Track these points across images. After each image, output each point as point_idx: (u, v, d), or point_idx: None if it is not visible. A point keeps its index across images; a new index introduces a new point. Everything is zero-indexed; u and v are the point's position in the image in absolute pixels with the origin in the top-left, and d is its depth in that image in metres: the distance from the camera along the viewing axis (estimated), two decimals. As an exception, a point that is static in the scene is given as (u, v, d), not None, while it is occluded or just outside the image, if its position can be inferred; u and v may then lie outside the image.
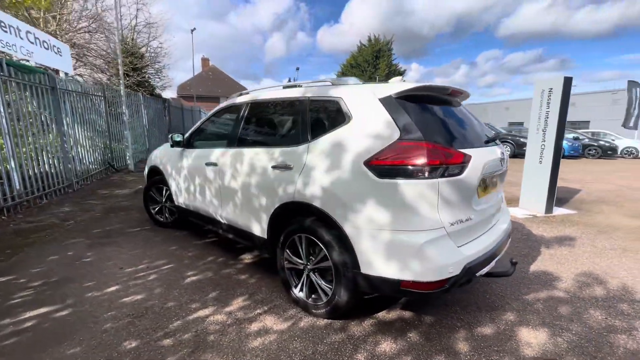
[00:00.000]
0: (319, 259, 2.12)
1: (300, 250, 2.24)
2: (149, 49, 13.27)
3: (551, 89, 4.69)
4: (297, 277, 2.35)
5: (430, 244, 1.69)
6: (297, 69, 43.48)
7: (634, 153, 16.08)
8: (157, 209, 4.11)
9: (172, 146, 3.45)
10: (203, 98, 32.60)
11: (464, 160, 1.79)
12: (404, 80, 2.36)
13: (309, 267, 2.22)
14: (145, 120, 10.89)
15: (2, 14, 5.03)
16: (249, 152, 2.61)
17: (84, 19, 8.88)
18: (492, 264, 2.03)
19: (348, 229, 1.88)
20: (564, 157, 13.75)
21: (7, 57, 5.32)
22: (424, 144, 1.72)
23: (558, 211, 5.03)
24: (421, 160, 1.69)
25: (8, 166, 4.45)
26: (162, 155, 3.90)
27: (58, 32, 8.00)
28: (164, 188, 3.92)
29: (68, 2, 9.13)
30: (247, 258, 3.20)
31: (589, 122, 23.95)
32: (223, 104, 3.24)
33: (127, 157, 8.63)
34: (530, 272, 2.94)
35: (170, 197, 3.86)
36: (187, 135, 3.46)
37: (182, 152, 3.48)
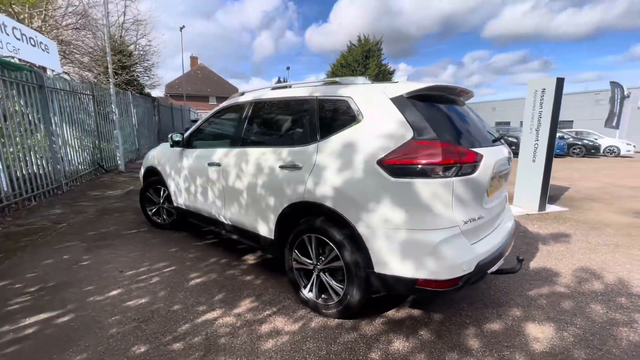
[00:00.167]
0: (330, 259, 2.11)
1: (310, 250, 2.22)
2: (137, 46, 12.98)
3: (544, 89, 4.81)
4: (306, 277, 2.34)
5: (446, 243, 1.71)
6: (288, 68, 43.21)
7: (615, 152, 16.65)
8: (154, 210, 4.02)
9: (171, 146, 3.38)
10: (192, 97, 32.12)
11: (477, 160, 1.81)
12: (407, 80, 2.38)
13: (318, 267, 2.21)
14: (134, 120, 10.66)
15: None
16: (254, 152, 2.58)
17: (70, 15, 8.61)
18: (501, 261, 2.07)
19: (361, 228, 1.88)
20: (550, 155, 14.12)
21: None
22: (439, 144, 1.73)
23: (550, 208, 5.16)
24: (436, 160, 1.70)
25: (-5, 167, 4.28)
26: (159, 156, 3.82)
27: (44, 29, 7.74)
28: (162, 189, 3.84)
29: (53, -2, 8.86)
30: (250, 259, 3.17)
31: (572, 121, 24.65)
32: (224, 103, 3.20)
33: (118, 158, 8.42)
34: (531, 269, 3.00)
35: (168, 198, 3.79)
36: (186, 134, 3.40)
37: (181, 152, 3.41)
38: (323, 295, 2.25)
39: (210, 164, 2.95)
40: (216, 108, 3.29)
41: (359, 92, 2.09)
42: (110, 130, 8.64)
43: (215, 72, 40.81)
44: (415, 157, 1.74)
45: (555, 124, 4.78)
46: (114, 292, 2.50)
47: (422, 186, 1.72)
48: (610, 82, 17.23)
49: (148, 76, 14.13)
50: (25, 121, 5.06)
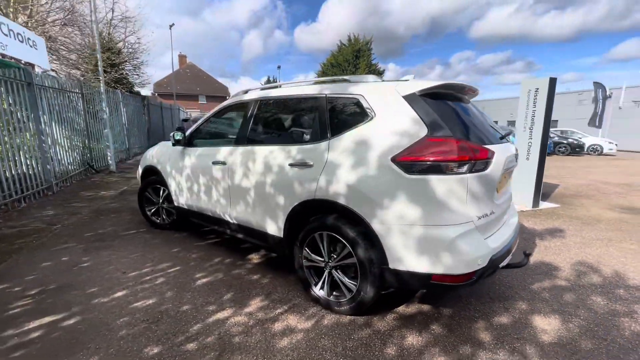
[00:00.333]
0: (343, 256, 2.12)
1: (322, 248, 2.23)
2: (126, 44, 12.69)
3: (537, 89, 4.93)
4: (317, 275, 2.34)
5: (462, 238, 1.74)
6: (279, 67, 43.03)
7: (598, 150, 17.20)
8: (153, 210, 3.95)
9: (174, 145, 3.32)
10: (181, 96, 31.64)
11: (489, 156, 1.85)
12: (413, 79, 2.41)
13: (330, 264, 2.21)
14: (124, 119, 10.43)
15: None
16: (262, 150, 2.56)
17: (57, 10, 8.35)
18: (510, 255, 2.12)
19: (376, 225, 1.89)
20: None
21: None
22: (454, 141, 1.76)
23: (543, 205, 5.30)
24: (451, 157, 1.72)
25: (-16, 167, 4.13)
26: (159, 155, 3.75)
27: (29, 25, 7.49)
28: (162, 188, 3.77)
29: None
30: (254, 258, 3.15)
31: (557, 121, 25.34)
32: (227, 101, 3.16)
33: (108, 157, 8.22)
34: (531, 263, 3.08)
35: (168, 198, 3.73)
36: (188, 133, 3.35)
37: (183, 151, 3.36)
38: (334, 293, 2.25)
39: (215, 163, 2.92)
40: (218, 106, 3.25)
41: (371, 90, 2.10)
42: (100, 130, 8.43)
43: (204, 70, 40.28)
44: (430, 154, 1.76)
45: (548, 122, 4.91)
46: (120, 294, 2.45)
47: (438, 183, 1.75)
48: (594, 82, 17.81)
49: (137, 74, 13.85)
50: (14, 120, 4.89)
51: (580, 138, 17.46)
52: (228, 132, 3.09)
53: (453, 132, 1.83)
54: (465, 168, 1.75)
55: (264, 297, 2.44)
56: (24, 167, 5.04)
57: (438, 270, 1.76)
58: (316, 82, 2.50)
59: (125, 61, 12.64)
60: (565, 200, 5.69)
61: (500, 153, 1.98)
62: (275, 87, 2.82)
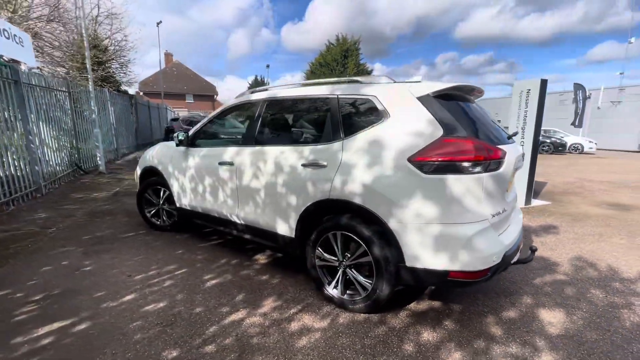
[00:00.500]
0: (358, 255, 2.15)
1: (336, 247, 2.25)
2: (113, 42, 12.35)
3: (529, 90, 5.09)
4: (330, 274, 2.36)
5: (478, 235, 1.80)
6: (268, 66, 43.12)
7: (579, 149, 17.87)
8: (153, 211, 3.88)
9: (177, 145, 3.28)
10: (168, 95, 31.02)
11: (502, 156, 1.91)
12: (420, 81, 2.45)
13: (344, 263, 2.24)
14: (112, 118, 10.17)
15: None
16: (272, 151, 2.56)
17: (42, 5, 8.04)
18: (519, 251, 2.19)
19: (392, 224, 1.93)
20: (523, 153, 14.95)
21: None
22: (469, 141, 1.81)
23: (535, 203, 5.48)
24: (468, 156, 1.78)
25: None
26: (159, 155, 3.68)
27: (13, 20, 7.20)
28: (162, 189, 3.71)
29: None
30: (261, 259, 3.14)
31: (539, 121, 26.16)
32: (232, 101, 3.14)
33: (98, 158, 8.00)
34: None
35: (168, 199, 3.68)
36: (190, 133, 3.31)
37: (186, 152, 3.31)
38: (348, 291, 2.28)
39: (222, 163, 2.89)
40: (222, 107, 3.22)
41: (384, 91, 2.13)
42: (88, 129, 8.19)
43: (192, 69, 39.61)
44: (447, 154, 1.81)
45: (539, 123, 5.08)
46: (128, 297, 2.40)
47: (455, 182, 1.80)
48: (574, 84, 18.43)
49: (124, 73, 13.49)
50: (0, 120, 4.70)
51: (562, 137, 18.08)
52: (234, 132, 3.07)
53: (467, 132, 1.88)
54: (481, 168, 1.81)
55: (277, 297, 2.44)
56: (11, 169, 4.86)
57: (455, 267, 1.81)
58: (326, 83, 2.51)
59: (112, 59, 12.30)
60: (555, 198, 5.89)
61: (510, 153, 2.05)
62: (284, 87, 2.82)
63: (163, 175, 3.58)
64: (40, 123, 5.89)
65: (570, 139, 18.10)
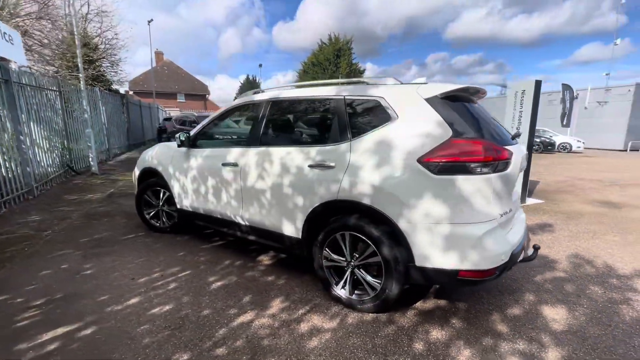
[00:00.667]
0: (366, 255, 2.16)
1: (344, 247, 2.26)
2: (103, 40, 12.11)
3: (524, 90, 5.18)
4: (337, 274, 2.37)
5: (488, 235, 1.83)
6: (260, 65, 42.69)
7: (568, 148, 18.27)
8: (152, 213, 3.83)
9: (179, 146, 3.24)
10: (159, 94, 30.59)
11: (509, 157, 1.95)
12: (426, 82, 2.48)
13: (353, 263, 2.25)
14: (104, 118, 9.99)
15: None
16: (278, 152, 2.55)
17: (31, 2, 7.83)
18: (524, 250, 2.24)
19: (402, 224, 1.95)
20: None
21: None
22: (478, 142, 1.84)
23: (529, 201, 5.59)
24: (477, 157, 1.80)
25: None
26: (159, 156, 3.64)
27: (2, 17, 7.00)
28: (162, 191, 3.66)
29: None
30: (265, 260, 3.13)
31: (528, 120, 26.65)
32: (235, 102, 3.12)
33: (90, 159, 7.84)
34: (530, 257, 3.25)
35: (168, 200, 3.63)
36: (192, 134, 3.27)
37: (187, 153, 3.28)
38: (356, 292, 2.29)
39: (225, 164, 2.88)
40: (225, 107, 3.20)
41: (392, 93, 2.15)
42: (79, 130, 8.03)
43: (183, 68, 39.12)
44: (456, 155, 1.83)
45: (534, 122, 5.18)
46: (133, 301, 2.37)
47: (464, 182, 1.82)
48: (562, 84, 18.78)
49: (115, 72, 13.25)
50: (-9, 120, 4.58)
51: (551, 137, 18.46)
52: (238, 133, 3.05)
53: (475, 133, 1.91)
54: (489, 168, 1.84)
55: (284, 298, 2.44)
56: (2, 170, 4.73)
57: (465, 266, 1.84)
58: (332, 84, 2.52)
59: (103, 57, 12.06)
60: (549, 196, 6.02)
61: (517, 153, 2.08)
62: (288, 88, 2.82)
63: (163, 176, 3.54)
64: (31, 123, 5.75)
65: (558, 138, 18.49)
